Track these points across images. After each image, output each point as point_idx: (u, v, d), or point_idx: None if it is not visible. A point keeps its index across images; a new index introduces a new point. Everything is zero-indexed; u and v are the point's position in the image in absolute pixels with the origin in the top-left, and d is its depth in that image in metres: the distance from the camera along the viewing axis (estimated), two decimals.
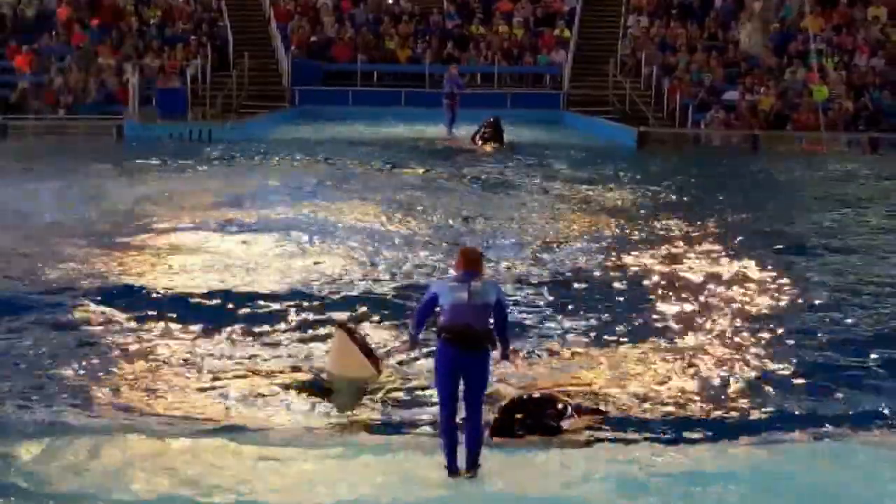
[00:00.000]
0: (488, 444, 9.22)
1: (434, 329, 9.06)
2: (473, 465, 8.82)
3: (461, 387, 8.82)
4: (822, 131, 30.98)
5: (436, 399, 9.20)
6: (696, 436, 10.00)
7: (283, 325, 13.03)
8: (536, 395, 10.18)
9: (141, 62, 33.89)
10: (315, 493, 8.73)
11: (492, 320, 8.89)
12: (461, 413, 8.88)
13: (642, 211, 21.01)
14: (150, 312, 13.30)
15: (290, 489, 8.80)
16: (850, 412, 10.56)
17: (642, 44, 36.68)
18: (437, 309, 8.88)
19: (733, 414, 10.61)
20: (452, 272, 9.65)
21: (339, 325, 11.49)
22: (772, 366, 11.88)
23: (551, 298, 14.36)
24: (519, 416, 9.72)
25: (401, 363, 11.58)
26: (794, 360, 11.96)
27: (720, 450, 9.66)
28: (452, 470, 8.81)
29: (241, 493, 8.66)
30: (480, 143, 30.24)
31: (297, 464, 9.26)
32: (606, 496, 8.62)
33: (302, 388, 11.06)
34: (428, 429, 9.90)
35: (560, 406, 9.87)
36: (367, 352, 11.11)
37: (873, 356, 12.10)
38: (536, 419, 9.70)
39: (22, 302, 13.72)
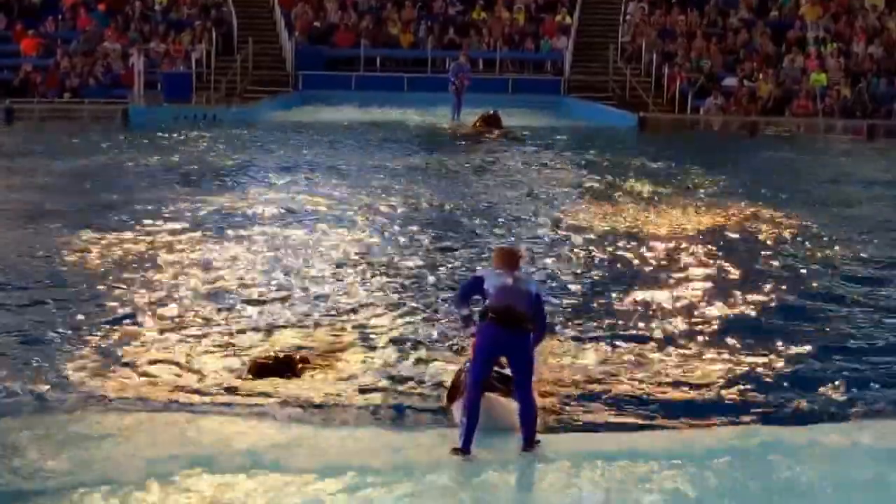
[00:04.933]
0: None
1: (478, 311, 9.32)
2: (530, 443, 9.15)
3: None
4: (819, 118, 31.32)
5: None
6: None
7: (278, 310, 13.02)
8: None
9: (146, 46, 34.25)
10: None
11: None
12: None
13: (643, 197, 21.32)
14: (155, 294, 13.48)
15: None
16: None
17: (642, 31, 37.01)
18: (482, 293, 9.23)
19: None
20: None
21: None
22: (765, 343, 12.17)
23: (553, 285, 14.36)
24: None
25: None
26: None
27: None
28: (465, 451, 9.01)
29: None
30: (480, 127, 30.55)
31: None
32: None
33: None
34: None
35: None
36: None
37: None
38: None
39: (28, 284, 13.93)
